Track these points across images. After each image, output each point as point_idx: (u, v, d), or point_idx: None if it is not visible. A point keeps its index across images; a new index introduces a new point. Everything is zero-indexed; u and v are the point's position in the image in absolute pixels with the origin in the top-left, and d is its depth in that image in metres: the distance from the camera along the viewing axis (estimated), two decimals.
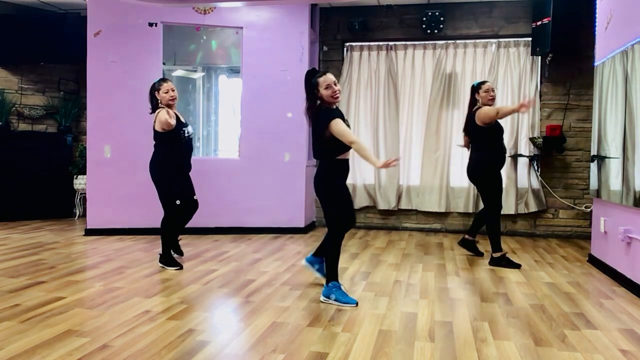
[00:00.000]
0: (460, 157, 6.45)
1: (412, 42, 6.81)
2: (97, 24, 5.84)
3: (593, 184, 4.98)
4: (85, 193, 6.61)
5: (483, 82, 4.71)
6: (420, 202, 6.76)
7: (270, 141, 6.13)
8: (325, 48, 7.02)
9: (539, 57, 6.47)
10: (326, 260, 3.54)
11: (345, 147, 3.38)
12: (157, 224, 4.53)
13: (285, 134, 6.17)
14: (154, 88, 4.30)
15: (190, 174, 4.52)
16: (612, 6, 4.52)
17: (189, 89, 7.40)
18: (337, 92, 3.41)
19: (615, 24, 4.42)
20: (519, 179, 6.49)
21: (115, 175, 5.84)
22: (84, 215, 7.09)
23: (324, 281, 3.62)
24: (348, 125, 3.44)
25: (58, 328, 2.80)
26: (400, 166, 6.85)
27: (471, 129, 4.71)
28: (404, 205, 6.84)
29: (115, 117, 5.83)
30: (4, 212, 6.81)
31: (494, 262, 4.66)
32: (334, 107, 3.48)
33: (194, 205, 4.49)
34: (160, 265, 4.37)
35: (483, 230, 4.88)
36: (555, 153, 6.39)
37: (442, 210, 6.65)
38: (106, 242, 5.42)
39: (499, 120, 4.62)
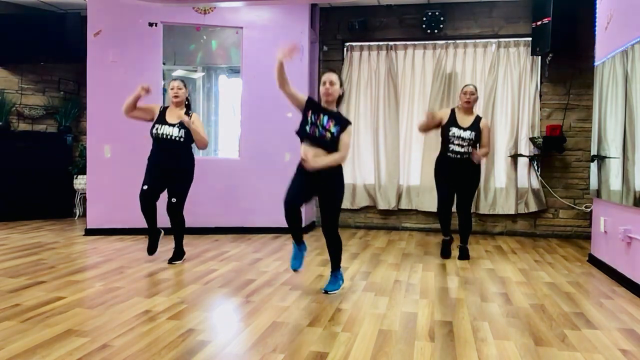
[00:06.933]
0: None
1: (412, 42, 6.81)
2: (97, 24, 5.84)
3: (593, 183, 4.98)
4: (85, 193, 6.62)
5: (466, 85, 4.91)
6: (420, 202, 6.76)
7: (270, 141, 6.12)
8: (325, 48, 7.02)
9: (539, 57, 6.47)
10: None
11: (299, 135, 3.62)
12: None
13: (285, 134, 6.14)
14: None
15: None
16: (612, 6, 4.52)
17: (188, 89, 7.39)
18: (328, 90, 3.56)
19: (615, 24, 4.42)
20: (519, 179, 6.49)
21: (115, 176, 5.84)
22: (84, 215, 7.10)
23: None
24: (306, 116, 3.61)
25: (58, 328, 2.80)
26: (400, 166, 6.86)
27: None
28: (404, 205, 6.84)
29: (115, 117, 5.77)
30: (4, 212, 6.81)
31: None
32: (326, 105, 3.63)
33: (143, 194, 4.41)
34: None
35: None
36: (555, 153, 6.39)
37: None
38: (106, 242, 5.42)
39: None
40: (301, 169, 3.62)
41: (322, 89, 3.58)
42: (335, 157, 3.52)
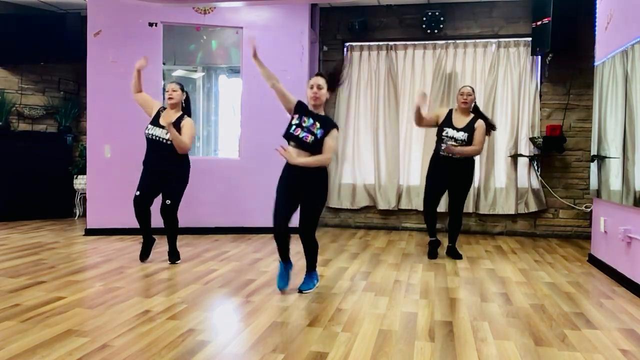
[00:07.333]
0: None
1: (412, 42, 6.81)
2: (97, 24, 5.83)
3: (593, 183, 4.98)
4: (85, 193, 6.62)
5: (463, 86, 4.97)
6: (420, 202, 6.74)
7: (270, 141, 6.05)
8: (325, 48, 7.02)
9: (539, 57, 6.47)
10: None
11: (285, 137, 3.65)
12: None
13: None
14: None
15: (191, 174, 4.55)
16: (612, 6, 4.52)
17: (189, 89, 7.39)
18: (315, 94, 3.55)
19: (615, 24, 4.42)
20: (519, 179, 6.49)
21: (115, 175, 5.84)
22: (84, 215, 7.09)
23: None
24: (293, 118, 3.63)
25: (58, 328, 2.80)
26: (400, 166, 6.86)
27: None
28: (404, 205, 6.83)
29: (115, 117, 5.82)
30: (4, 212, 6.81)
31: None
32: (314, 109, 3.62)
33: (135, 200, 4.43)
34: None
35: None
36: (555, 153, 6.39)
37: (442, 210, 6.62)
38: (106, 242, 5.42)
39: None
40: (283, 180, 3.70)
41: (309, 92, 3.58)
42: (317, 157, 3.54)
